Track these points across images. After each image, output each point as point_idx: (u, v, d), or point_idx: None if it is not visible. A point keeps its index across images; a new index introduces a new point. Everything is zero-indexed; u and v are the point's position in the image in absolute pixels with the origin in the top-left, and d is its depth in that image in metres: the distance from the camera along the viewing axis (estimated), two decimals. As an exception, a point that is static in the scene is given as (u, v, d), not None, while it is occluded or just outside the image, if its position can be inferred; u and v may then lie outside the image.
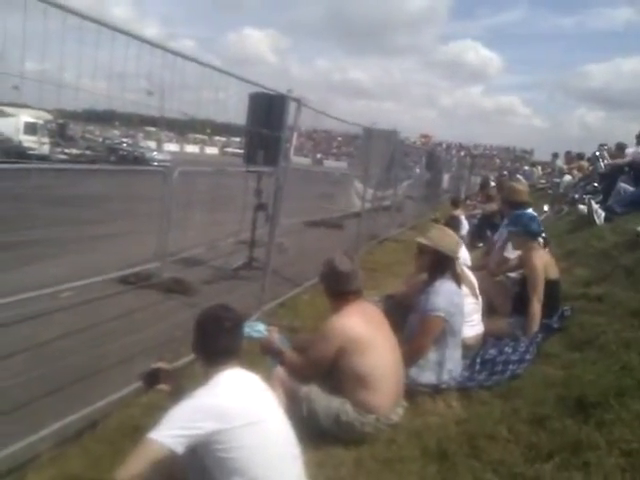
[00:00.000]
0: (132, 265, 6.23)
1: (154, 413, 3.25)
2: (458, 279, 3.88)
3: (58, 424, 3.06)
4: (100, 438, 3.13)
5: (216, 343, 2.22)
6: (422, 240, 3.89)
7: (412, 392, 3.47)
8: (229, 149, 61.25)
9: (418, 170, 16.95)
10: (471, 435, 2.96)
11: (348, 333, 3.04)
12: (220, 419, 2.01)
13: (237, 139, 70.37)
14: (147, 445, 1.96)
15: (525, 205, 5.86)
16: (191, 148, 57.39)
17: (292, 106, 4.71)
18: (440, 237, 3.87)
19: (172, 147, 47.71)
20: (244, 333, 2.52)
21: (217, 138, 69.54)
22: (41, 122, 24.12)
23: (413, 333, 3.70)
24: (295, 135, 4.90)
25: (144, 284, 5.72)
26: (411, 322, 3.82)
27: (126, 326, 4.85)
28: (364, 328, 3.08)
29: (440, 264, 3.80)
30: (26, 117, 22.42)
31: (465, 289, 4.08)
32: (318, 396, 3.06)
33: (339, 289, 3.19)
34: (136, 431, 3.12)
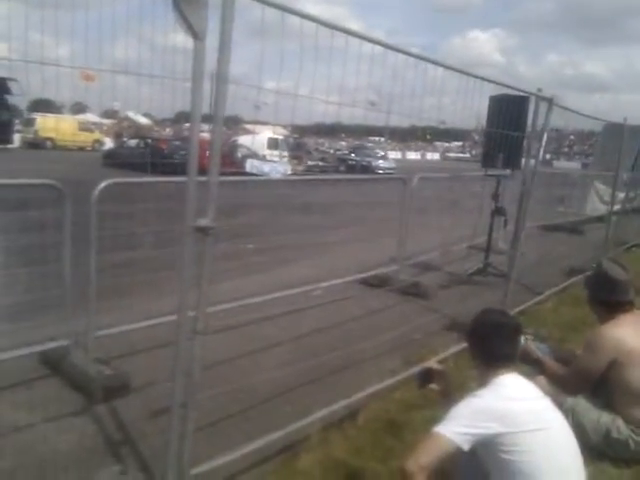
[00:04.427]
0: (371, 268, 6.57)
1: (407, 409, 3.44)
2: None
3: (323, 411, 3.31)
4: (360, 427, 3.33)
5: (497, 349, 2.21)
6: None
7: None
8: (451, 154, 60.75)
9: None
10: None
11: (620, 344, 2.82)
12: (506, 422, 2.00)
13: (459, 143, 69.49)
14: (436, 438, 2.02)
15: None
16: (412, 155, 58.13)
17: (542, 106, 4.47)
18: None
19: (394, 155, 48.91)
20: None
21: (439, 143, 69.35)
22: (281, 137, 26.85)
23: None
24: (545, 136, 4.64)
25: (384, 287, 5.98)
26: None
27: (370, 324, 5.16)
28: (638, 340, 2.83)
29: None
30: (269, 133, 25.06)
31: None
32: (585, 409, 2.89)
33: (611, 299, 2.98)
34: (392, 425, 3.31)
